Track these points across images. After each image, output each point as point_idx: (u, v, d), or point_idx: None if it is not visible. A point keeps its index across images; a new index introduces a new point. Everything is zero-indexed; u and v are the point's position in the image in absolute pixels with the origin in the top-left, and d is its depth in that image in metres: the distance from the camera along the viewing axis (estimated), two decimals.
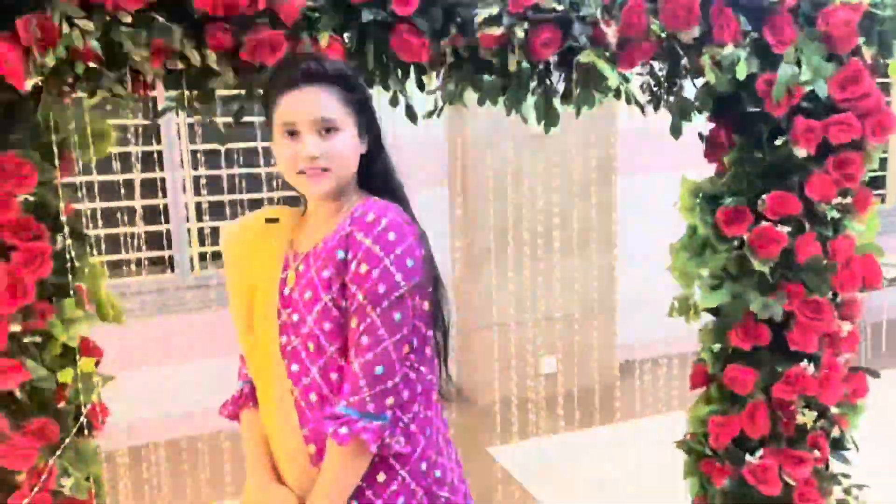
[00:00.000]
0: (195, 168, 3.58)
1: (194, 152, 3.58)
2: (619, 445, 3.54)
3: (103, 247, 3.31)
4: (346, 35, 1.45)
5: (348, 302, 1.21)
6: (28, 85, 1.26)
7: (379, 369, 1.18)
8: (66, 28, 1.22)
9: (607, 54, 1.53)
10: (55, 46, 1.24)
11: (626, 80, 1.61)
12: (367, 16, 1.40)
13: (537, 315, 4.03)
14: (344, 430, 1.16)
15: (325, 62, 1.25)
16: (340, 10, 1.41)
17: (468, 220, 3.91)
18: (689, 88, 1.76)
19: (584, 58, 1.49)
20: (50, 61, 1.24)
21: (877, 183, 5.78)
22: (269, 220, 1.36)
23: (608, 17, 1.51)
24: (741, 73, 1.58)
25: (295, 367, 1.27)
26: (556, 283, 4.02)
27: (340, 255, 1.21)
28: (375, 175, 1.31)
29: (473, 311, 3.98)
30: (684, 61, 1.61)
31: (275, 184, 3.69)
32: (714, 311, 1.86)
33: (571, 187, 3.97)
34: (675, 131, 1.72)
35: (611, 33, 1.49)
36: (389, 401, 1.20)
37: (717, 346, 1.85)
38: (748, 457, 1.80)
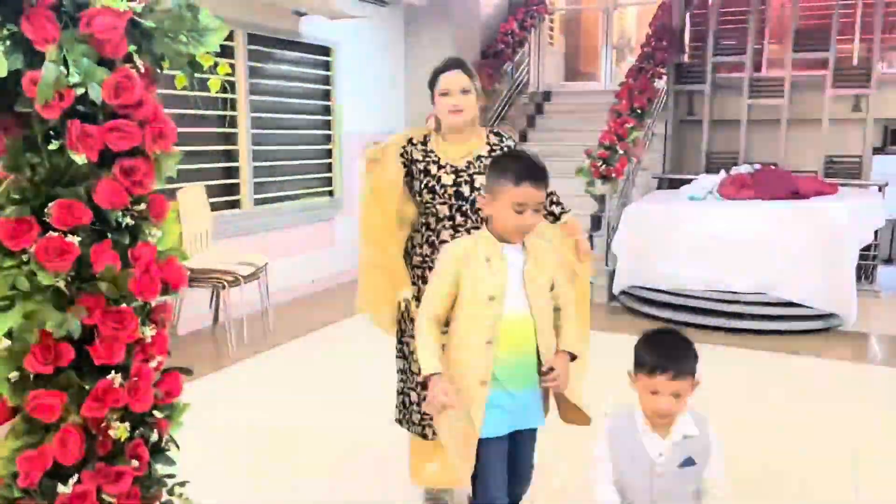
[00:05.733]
0: None
1: None
2: None
3: None
4: None
5: None
6: None
7: None
8: None
9: None
10: None
11: None
12: None
13: None
14: None
15: None
16: None
17: None
18: None
19: None
20: None
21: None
22: None
23: None
24: (1, 69, 1.41)
25: None
26: None
27: None
28: None
29: None
30: None
31: None
32: (9, 336, 1.64)
33: None
34: None
35: None
36: None
37: (15, 375, 1.64)
38: (65, 488, 1.66)
